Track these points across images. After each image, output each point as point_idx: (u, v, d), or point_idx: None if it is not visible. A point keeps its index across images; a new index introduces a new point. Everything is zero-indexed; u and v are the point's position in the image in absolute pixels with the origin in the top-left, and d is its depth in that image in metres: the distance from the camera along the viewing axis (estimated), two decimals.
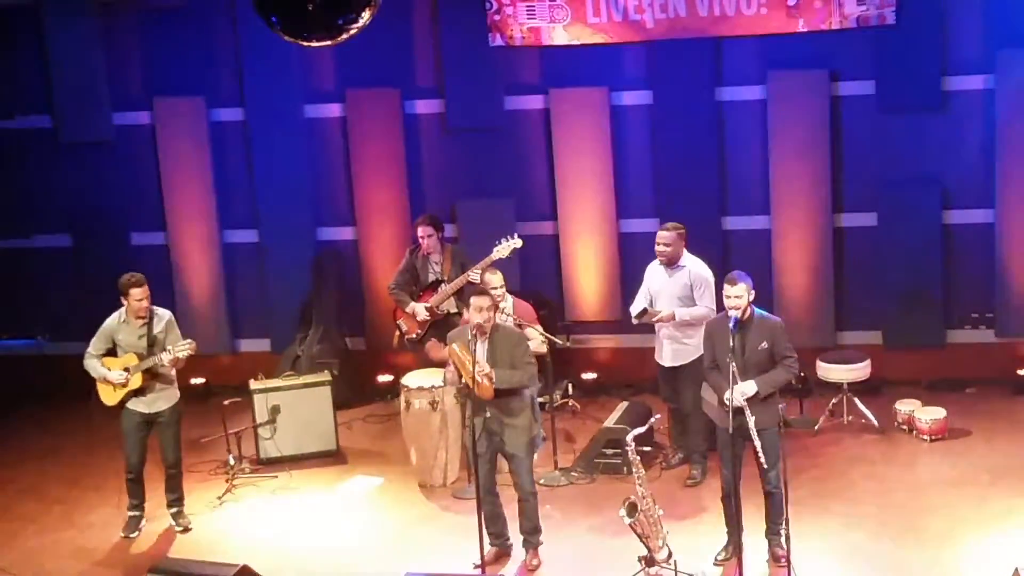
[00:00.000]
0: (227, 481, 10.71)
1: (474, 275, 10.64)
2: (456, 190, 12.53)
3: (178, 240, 13.01)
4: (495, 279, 10.32)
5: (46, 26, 12.78)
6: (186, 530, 9.95)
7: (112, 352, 9.74)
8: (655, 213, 11.99)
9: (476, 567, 8.78)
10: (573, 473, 10.47)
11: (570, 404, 11.95)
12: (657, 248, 10.06)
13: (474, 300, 8.83)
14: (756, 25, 11.43)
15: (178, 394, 9.91)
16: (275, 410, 11.12)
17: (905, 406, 11.00)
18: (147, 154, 12.95)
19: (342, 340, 12.71)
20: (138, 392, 9.68)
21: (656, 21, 11.58)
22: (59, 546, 9.86)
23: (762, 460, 8.33)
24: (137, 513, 9.96)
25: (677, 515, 9.39)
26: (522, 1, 11.75)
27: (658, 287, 10.12)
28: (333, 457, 11.18)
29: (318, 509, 10.30)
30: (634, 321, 10.19)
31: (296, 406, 11.16)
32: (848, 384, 11.13)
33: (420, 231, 11.22)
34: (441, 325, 10.88)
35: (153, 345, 9.65)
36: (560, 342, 10.74)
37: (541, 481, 10.16)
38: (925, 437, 10.75)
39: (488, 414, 8.78)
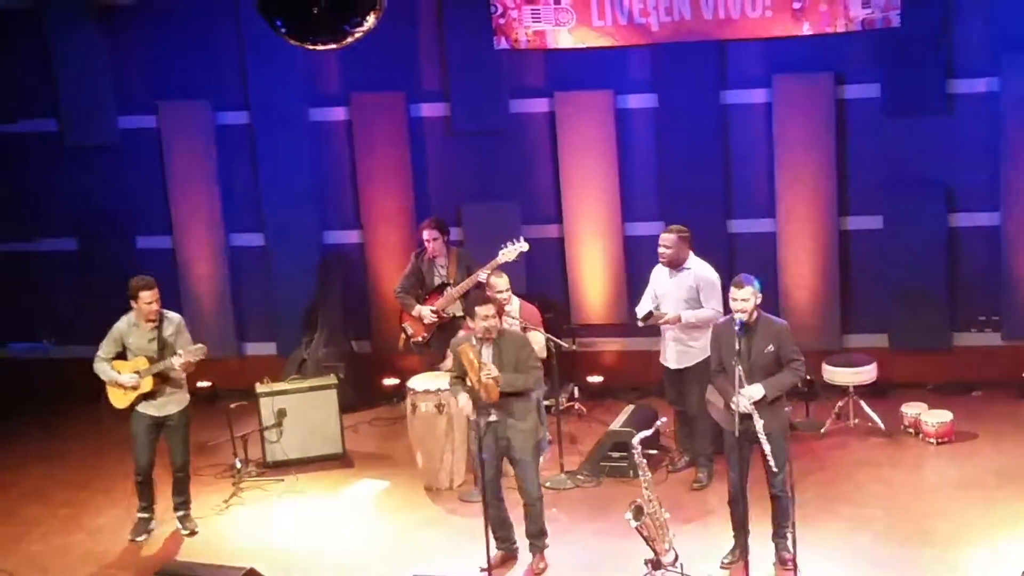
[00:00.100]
0: (233, 484, 10.72)
1: (482, 276, 10.64)
2: (462, 193, 12.53)
3: (184, 244, 13.02)
4: (501, 282, 10.33)
5: (51, 30, 12.79)
6: (193, 533, 9.95)
7: (122, 355, 9.75)
8: (660, 216, 11.98)
9: (482, 571, 8.77)
10: (579, 476, 10.47)
11: (576, 407, 11.95)
12: (659, 250, 10.07)
13: (478, 310, 8.81)
14: (761, 28, 11.42)
15: (188, 397, 9.92)
16: (281, 413, 11.12)
17: (911, 409, 11.00)
18: (152, 158, 12.96)
19: (348, 343, 12.71)
20: (148, 395, 9.69)
21: (661, 24, 11.57)
22: (66, 550, 9.87)
23: (771, 464, 8.32)
24: (146, 516, 9.97)
25: (683, 518, 9.38)
26: (527, 4, 11.74)
27: (663, 290, 10.13)
28: (339, 460, 11.19)
29: (324, 512, 10.30)
30: (640, 323, 10.19)
31: (302, 409, 11.16)
32: (854, 387, 11.13)
33: (426, 234, 11.22)
34: (447, 328, 10.88)
35: (163, 348, 9.66)
36: (566, 345, 10.73)
37: (547, 484, 10.15)
38: (931, 440, 10.74)
39: (494, 417, 8.77)
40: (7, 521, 10.44)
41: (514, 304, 10.38)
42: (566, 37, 11.78)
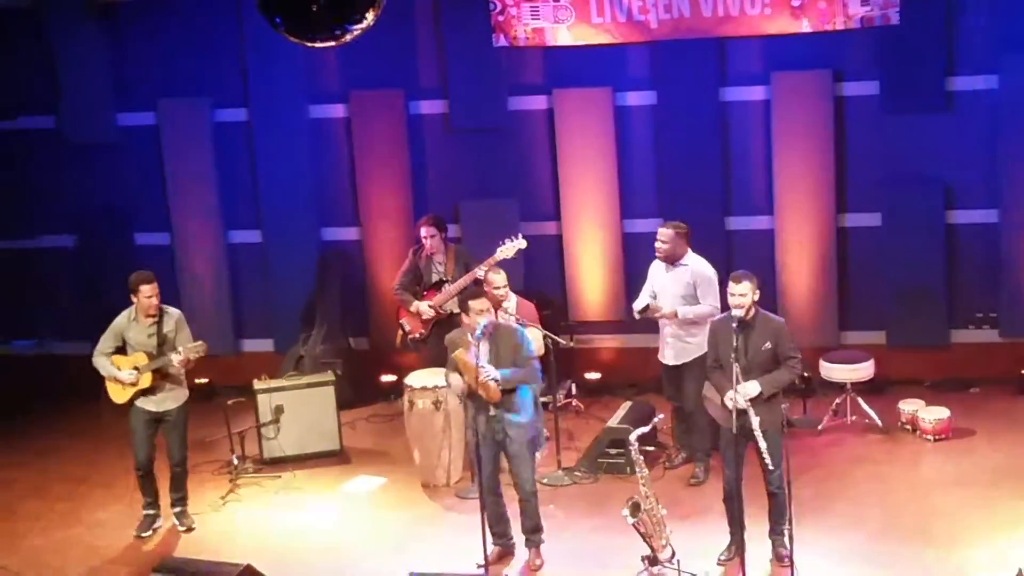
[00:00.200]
0: (231, 481, 10.72)
1: (480, 273, 10.65)
2: (460, 190, 12.54)
3: (182, 240, 13.02)
4: (499, 279, 10.35)
5: (50, 27, 12.80)
6: (190, 529, 9.96)
7: (122, 350, 9.76)
8: (659, 213, 11.98)
9: (479, 567, 8.78)
10: (576, 473, 10.47)
11: (573, 404, 11.96)
12: (656, 245, 10.08)
13: (472, 303, 8.81)
14: (760, 25, 11.43)
15: (187, 393, 9.93)
16: (279, 410, 11.13)
17: (909, 406, 11.00)
18: (151, 155, 12.96)
19: (346, 340, 12.72)
20: (147, 391, 9.70)
21: (660, 21, 11.58)
22: (65, 545, 9.88)
23: (767, 462, 8.32)
24: (152, 512, 9.97)
25: (680, 515, 9.38)
26: (526, 1, 11.75)
27: (660, 285, 10.13)
28: (336, 457, 11.19)
29: (321, 509, 10.31)
30: (636, 316, 10.19)
31: (300, 406, 11.17)
32: (852, 384, 11.13)
33: (424, 231, 11.23)
34: (445, 325, 10.87)
35: (163, 344, 9.67)
36: (564, 342, 10.74)
37: (544, 481, 10.17)
38: (929, 437, 10.74)
39: (492, 412, 8.78)
40: (7, 517, 10.45)
41: (511, 301, 10.40)
42: (565, 34, 11.79)
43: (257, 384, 11.25)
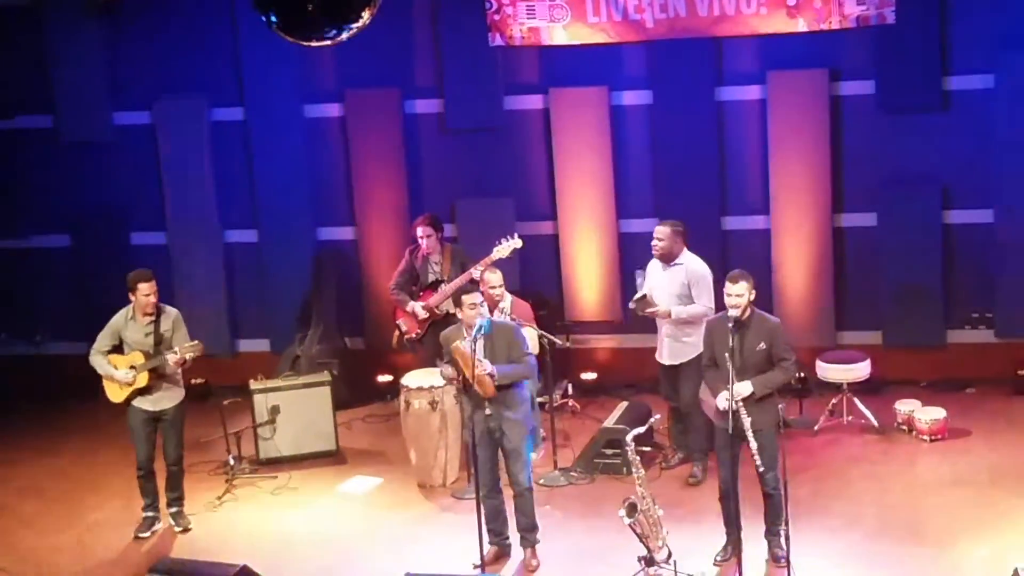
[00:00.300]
0: (227, 481, 10.71)
1: (475, 272, 10.65)
2: (456, 190, 12.53)
3: (178, 240, 13.00)
4: (494, 278, 10.35)
5: (47, 26, 12.79)
6: (186, 530, 9.95)
7: (119, 349, 9.75)
8: (655, 213, 11.97)
9: (476, 567, 8.78)
10: (573, 473, 10.46)
11: (570, 404, 11.95)
12: (652, 243, 10.08)
13: (464, 298, 8.83)
14: (756, 25, 11.42)
15: (183, 393, 9.92)
16: (275, 410, 11.12)
17: (905, 406, 11.00)
18: (147, 154, 12.95)
19: (342, 340, 12.71)
20: (144, 390, 9.70)
21: (656, 21, 11.57)
22: (59, 546, 9.86)
23: (757, 462, 8.32)
24: (151, 514, 9.96)
25: (677, 515, 9.37)
26: (522, 1, 11.74)
27: (656, 284, 10.13)
28: (333, 457, 11.18)
29: (318, 509, 10.30)
30: (631, 305, 10.16)
31: (296, 406, 11.16)
32: (848, 384, 11.13)
33: (420, 231, 11.22)
34: (441, 325, 10.84)
35: (160, 343, 9.66)
36: (559, 342, 10.73)
37: (541, 481, 10.17)
38: (925, 437, 10.74)
39: (488, 411, 8.77)
40: (3, 517, 10.44)
41: (507, 301, 10.40)
42: (561, 33, 11.78)
43: (253, 384, 11.24)
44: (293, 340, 12.58)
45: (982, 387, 11.75)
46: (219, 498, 10.48)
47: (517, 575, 9.01)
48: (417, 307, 11.17)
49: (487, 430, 8.85)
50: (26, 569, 9.49)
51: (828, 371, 11.20)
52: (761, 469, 8.38)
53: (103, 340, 9.77)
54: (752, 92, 11.96)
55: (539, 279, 12.44)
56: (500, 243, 10.81)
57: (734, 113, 12.04)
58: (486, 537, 8.85)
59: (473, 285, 9.71)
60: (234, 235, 13.04)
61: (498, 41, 11.90)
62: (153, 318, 9.68)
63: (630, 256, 12.07)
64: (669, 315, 9.98)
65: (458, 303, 8.93)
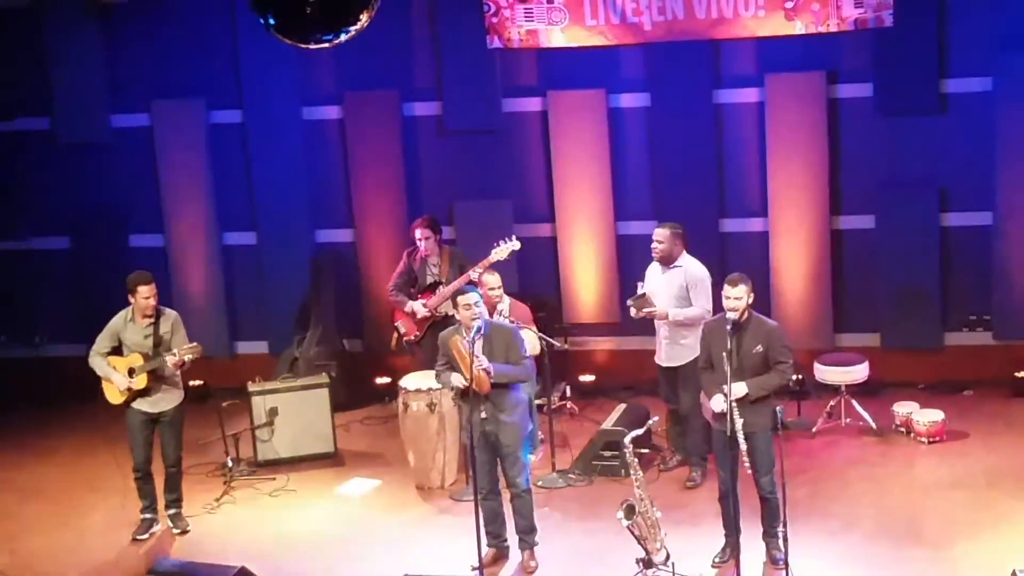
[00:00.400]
0: (225, 483, 10.72)
1: (474, 274, 10.65)
2: (454, 192, 12.53)
3: (176, 242, 13.01)
4: (493, 280, 10.36)
5: (45, 28, 12.79)
6: (184, 532, 9.95)
7: (118, 351, 9.75)
8: (653, 215, 11.97)
9: (474, 569, 8.77)
10: (571, 475, 10.47)
11: (568, 406, 11.95)
12: (652, 245, 10.09)
13: (460, 299, 8.85)
14: (754, 27, 11.43)
15: (182, 394, 9.92)
16: (273, 412, 11.12)
17: (903, 408, 11.01)
18: (145, 156, 12.96)
19: (340, 342, 12.71)
20: (143, 392, 9.70)
21: (654, 23, 11.58)
22: (57, 547, 9.86)
23: (746, 464, 8.32)
24: (149, 516, 9.95)
25: (675, 517, 9.36)
26: (520, 3, 11.75)
27: (654, 286, 10.13)
28: (331, 459, 11.18)
29: (316, 511, 10.30)
30: (629, 303, 10.15)
31: (294, 408, 11.16)
32: (846, 386, 11.14)
33: (418, 233, 11.22)
34: (439, 327, 10.85)
35: (159, 345, 9.66)
36: (558, 344, 10.74)
37: (539, 483, 10.17)
38: (923, 439, 10.75)
39: (484, 415, 8.77)
40: (2, 519, 10.42)
41: (505, 303, 10.40)
42: (559, 36, 11.78)
43: (251, 386, 11.24)
44: (291, 342, 12.59)
45: (980, 389, 11.76)
46: (217, 500, 10.48)
47: None
48: (416, 306, 11.18)
49: (483, 433, 8.85)
50: (25, 571, 9.49)
51: (826, 373, 11.20)
52: (749, 471, 8.37)
53: (102, 342, 9.77)
54: (750, 95, 11.97)
55: (537, 281, 12.44)
56: (498, 245, 10.82)
57: (732, 115, 12.05)
58: (484, 539, 8.85)
59: (470, 286, 9.71)
60: (232, 237, 13.05)
61: (496, 44, 11.90)
62: (152, 320, 9.68)
63: (628, 258, 12.09)
64: (667, 316, 9.98)
65: (455, 303, 8.95)
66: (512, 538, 9.18)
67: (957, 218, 11.78)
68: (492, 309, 10.17)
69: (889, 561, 8.82)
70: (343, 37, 7.84)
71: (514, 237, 10.95)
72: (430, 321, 11.20)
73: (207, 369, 12.08)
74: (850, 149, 11.87)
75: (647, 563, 8.45)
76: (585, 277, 12.43)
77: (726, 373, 8.30)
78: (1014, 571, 7.93)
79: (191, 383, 12.00)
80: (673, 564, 8.49)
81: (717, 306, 9.04)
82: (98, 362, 9.75)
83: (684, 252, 10.09)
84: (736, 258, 11.72)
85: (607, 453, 10.38)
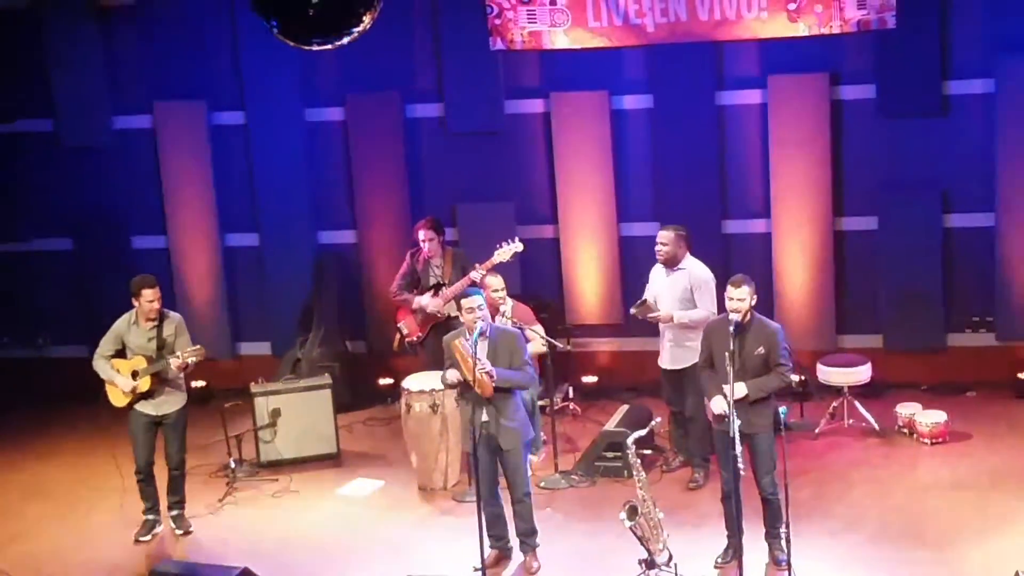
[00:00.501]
0: (228, 484, 10.72)
1: (476, 275, 10.65)
2: (456, 194, 12.53)
3: (179, 244, 13.02)
4: (496, 282, 10.37)
5: (47, 30, 12.80)
6: (187, 533, 9.95)
7: (121, 353, 9.76)
8: (655, 217, 11.99)
9: (476, 570, 8.77)
10: (573, 476, 10.46)
11: (571, 407, 11.95)
12: (656, 248, 10.08)
13: (464, 302, 8.85)
14: (756, 29, 11.42)
15: (185, 397, 9.92)
16: (276, 413, 11.13)
17: (906, 409, 11.00)
18: (148, 158, 12.96)
19: (343, 343, 12.71)
20: (146, 395, 9.70)
21: (657, 25, 11.57)
22: (59, 548, 9.86)
23: (740, 466, 8.30)
24: (152, 517, 9.95)
25: (677, 518, 9.37)
26: (523, 5, 11.75)
27: (659, 289, 10.13)
28: (333, 460, 11.19)
29: (318, 512, 10.30)
30: (632, 311, 10.16)
31: (297, 409, 11.16)
32: (849, 387, 11.13)
33: (422, 234, 11.22)
34: (442, 328, 10.87)
35: (162, 348, 9.66)
36: (561, 345, 10.74)
37: (542, 484, 10.18)
38: (926, 440, 10.75)
39: (486, 418, 8.77)
40: (3, 520, 10.43)
41: (508, 304, 10.40)
42: (562, 38, 11.78)
43: (254, 387, 11.25)
44: (294, 343, 12.59)
45: (983, 391, 11.76)
46: (220, 501, 10.48)
47: None
48: (423, 300, 11.16)
49: (484, 435, 8.85)
50: (26, 573, 9.47)
51: (829, 374, 11.20)
52: (743, 472, 8.36)
53: (106, 345, 9.78)
54: (753, 96, 11.97)
55: (540, 283, 12.44)
56: (501, 247, 10.82)
57: (735, 117, 12.05)
58: (487, 540, 8.85)
59: (473, 288, 9.71)
60: (235, 239, 13.06)
61: (499, 45, 11.91)
62: (156, 323, 9.69)
63: (631, 260, 12.09)
64: (671, 319, 9.98)
65: (458, 306, 8.95)
66: (514, 539, 9.17)
67: (959, 219, 11.78)
68: (495, 311, 10.17)
69: (892, 562, 8.81)
70: (345, 39, 7.85)
71: (516, 239, 10.95)
72: (433, 322, 11.20)
73: (210, 370, 12.10)
74: (852, 150, 11.87)
75: (650, 564, 8.45)
76: (588, 279, 12.43)
77: (727, 373, 8.30)
78: (1017, 572, 7.92)
79: (194, 384, 12.03)
80: (676, 565, 8.49)
81: (721, 308, 9.04)
82: (102, 365, 9.76)
83: (688, 254, 10.08)
84: (738, 259, 11.72)
85: (610, 454, 10.37)
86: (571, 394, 12.09)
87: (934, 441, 10.72)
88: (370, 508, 10.36)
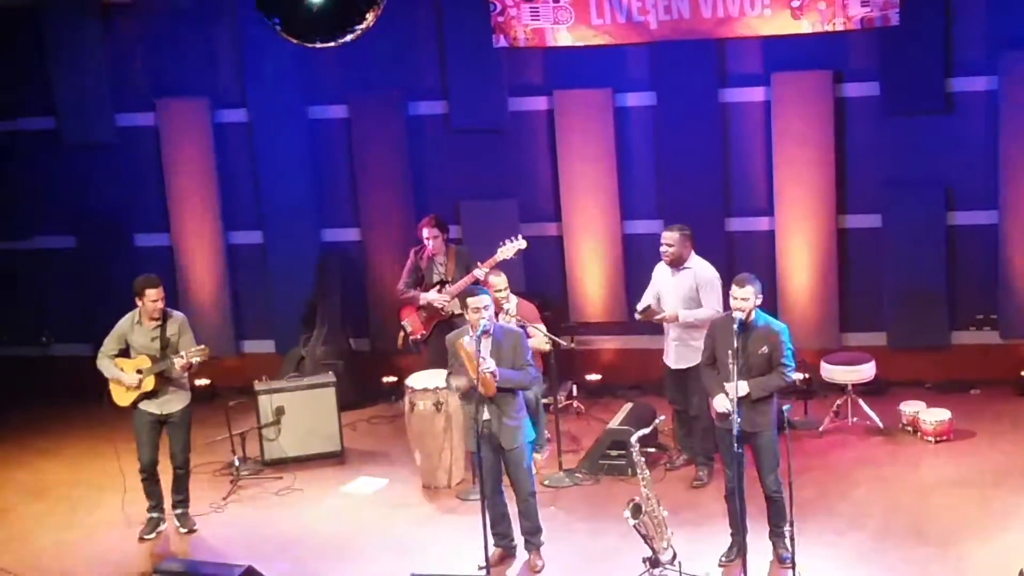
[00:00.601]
0: (232, 482, 10.73)
1: (480, 272, 10.65)
2: (460, 191, 12.52)
3: (182, 242, 13.02)
4: (499, 281, 10.37)
5: (49, 27, 12.79)
6: (191, 531, 9.95)
7: (125, 353, 9.76)
8: (659, 214, 11.99)
9: (480, 569, 8.77)
10: (577, 474, 10.46)
11: (574, 405, 11.95)
12: (661, 248, 10.07)
13: (470, 301, 8.84)
14: (760, 26, 11.43)
15: (190, 396, 9.93)
16: (279, 411, 11.13)
17: (910, 407, 11.00)
18: (151, 156, 12.96)
19: (346, 341, 12.71)
20: (150, 394, 9.70)
21: (660, 22, 11.58)
22: (63, 547, 9.87)
23: (736, 466, 8.31)
24: (156, 515, 9.96)
25: (681, 516, 9.38)
26: (526, 2, 11.75)
27: (664, 288, 10.13)
28: (337, 458, 11.19)
29: (322, 510, 10.30)
30: (637, 316, 10.18)
31: (300, 407, 11.16)
32: (853, 385, 11.13)
33: (426, 232, 11.22)
34: (445, 326, 10.87)
35: (166, 347, 9.66)
36: (564, 343, 10.74)
37: (546, 482, 10.18)
38: (930, 438, 10.74)
39: (487, 416, 8.76)
40: (5, 519, 10.44)
41: (512, 303, 10.40)
42: (565, 35, 11.79)
43: (258, 385, 11.26)
44: (298, 341, 12.59)
45: (987, 388, 11.75)
46: (224, 499, 10.49)
47: None
48: (431, 294, 11.16)
49: (487, 434, 8.84)
50: (30, 571, 9.49)
51: (833, 372, 11.20)
52: (730, 471, 8.36)
53: (110, 344, 9.78)
54: (756, 94, 11.96)
55: (543, 280, 12.44)
56: (504, 244, 10.82)
57: (738, 115, 12.04)
58: (491, 539, 8.85)
59: (479, 287, 9.71)
60: (238, 236, 13.05)
61: (502, 43, 11.91)
62: (159, 322, 9.68)
63: (634, 257, 12.09)
64: (677, 319, 9.98)
65: (464, 305, 8.95)
66: (519, 537, 9.17)
67: (963, 217, 11.77)
68: (499, 310, 10.16)
69: (896, 560, 8.81)
70: (348, 37, 7.84)
71: (520, 236, 10.97)
72: (436, 320, 11.20)
73: (214, 368, 12.09)
74: (856, 148, 11.86)
75: (654, 562, 8.45)
76: (591, 276, 12.43)
77: (729, 372, 8.30)
78: (1021, 570, 7.93)
79: (198, 383, 12.02)
80: (680, 563, 8.50)
81: (727, 307, 9.02)
82: (106, 364, 9.76)
83: (693, 253, 10.07)
84: (742, 257, 11.72)
85: (614, 452, 10.38)
86: (575, 392, 12.09)
87: (938, 439, 10.71)
88: (374, 506, 10.36)
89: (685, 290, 9.99)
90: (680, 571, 8.47)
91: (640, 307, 10.13)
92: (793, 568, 8.41)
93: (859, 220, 11.96)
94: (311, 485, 10.74)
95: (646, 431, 8.87)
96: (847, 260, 12.04)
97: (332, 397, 11.22)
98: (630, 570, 8.58)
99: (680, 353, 10.08)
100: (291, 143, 12.65)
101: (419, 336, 11.32)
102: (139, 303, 9.66)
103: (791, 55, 11.68)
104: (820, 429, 11.02)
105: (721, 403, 8.50)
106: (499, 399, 8.79)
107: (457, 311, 11.01)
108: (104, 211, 13.04)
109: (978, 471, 10.15)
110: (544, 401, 10.71)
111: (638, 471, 8.61)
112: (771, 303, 11.17)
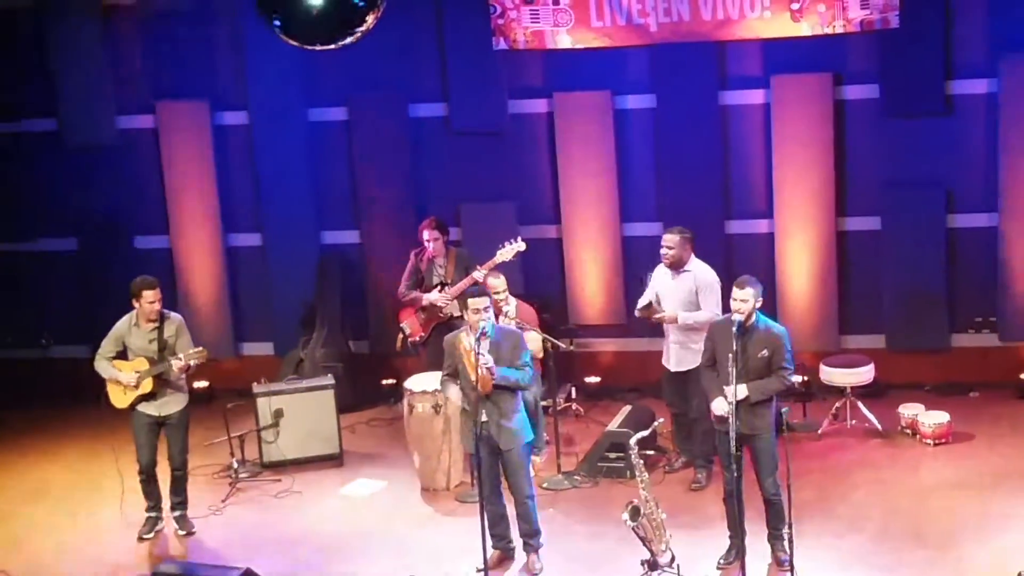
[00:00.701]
0: (230, 484, 10.73)
1: (479, 275, 10.66)
2: (459, 193, 12.52)
3: (182, 244, 13.02)
4: (498, 283, 10.37)
5: (50, 30, 12.79)
6: (189, 533, 9.95)
7: (123, 355, 9.76)
8: (658, 217, 11.99)
9: (479, 571, 8.77)
10: (576, 477, 10.46)
11: (573, 407, 11.94)
12: (661, 251, 10.07)
13: (471, 302, 8.84)
14: (759, 29, 11.43)
15: (187, 398, 9.93)
16: (278, 413, 11.12)
17: (909, 410, 11.00)
18: (151, 158, 12.96)
19: (345, 343, 12.70)
20: (148, 396, 9.71)
21: (660, 25, 11.58)
22: (63, 548, 9.87)
23: (734, 469, 8.30)
24: (154, 514, 9.97)
25: (680, 519, 9.36)
26: (526, 5, 11.75)
27: (664, 290, 10.13)
28: (336, 461, 11.18)
29: (321, 512, 10.30)
30: (636, 314, 10.17)
31: (299, 409, 11.16)
32: (851, 388, 11.13)
33: (426, 234, 11.23)
34: (444, 328, 10.87)
35: (163, 349, 9.67)
36: (563, 346, 10.74)
37: (544, 485, 10.18)
38: (929, 441, 10.74)
39: (484, 418, 8.75)
40: (6, 520, 10.44)
41: (511, 305, 10.40)
42: (565, 38, 11.78)
43: (257, 388, 11.25)
44: (297, 343, 12.59)
45: (986, 391, 11.74)
46: (223, 501, 10.49)
47: None
48: (432, 295, 11.16)
49: (485, 436, 8.84)
50: (29, 573, 9.49)
51: (832, 375, 11.19)
52: (733, 474, 8.35)
53: (107, 346, 9.78)
54: (756, 96, 11.96)
55: (543, 283, 12.43)
56: (503, 246, 10.83)
57: (738, 117, 12.04)
58: (489, 541, 8.85)
59: (481, 288, 9.71)
60: (238, 238, 13.05)
61: (502, 45, 11.91)
62: (157, 324, 9.69)
63: (634, 260, 12.09)
64: (676, 320, 9.97)
65: (464, 306, 8.94)
66: (517, 538, 9.17)
67: (963, 219, 11.77)
68: (498, 312, 10.16)
69: (894, 563, 8.81)
70: (348, 39, 7.85)
71: (519, 238, 10.97)
72: (435, 322, 11.21)
73: (212, 370, 12.10)
74: (856, 150, 11.86)
75: (652, 565, 8.45)
76: (590, 279, 12.43)
77: (728, 374, 8.29)
78: (1020, 573, 7.95)
79: (196, 385, 12.04)
80: (678, 566, 8.49)
81: (727, 310, 9.02)
82: (104, 365, 9.77)
83: (693, 256, 10.07)
84: (741, 260, 11.71)
85: (612, 455, 10.38)
86: (574, 394, 12.08)
87: (937, 442, 10.71)
88: (373, 509, 10.36)
89: (685, 293, 9.99)
90: (678, 574, 8.46)
91: (640, 304, 10.13)
92: (792, 570, 8.39)
93: (859, 222, 11.96)
94: (310, 487, 10.74)
95: (645, 434, 8.87)
96: (846, 262, 12.04)
97: (331, 399, 11.22)
98: (629, 572, 8.58)
99: (680, 356, 10.08)
100: (291, 145, 12.66)
101: (418, 338, 11.32)
102: (136, 305, 9.66)
103: (791, 57, 11.68)
104: (819, 431, 11.02)
105: (720, 406, 8.50)
106: (497, 399, 8.79)
107: (456, 313, 11.04)
108: (104, 213, 13.05)
109: (977, 474, 10.15)
110: (543, 403, 10.72)
111: (637, 473, 8.61)
112: (771, 305, 11.17)
